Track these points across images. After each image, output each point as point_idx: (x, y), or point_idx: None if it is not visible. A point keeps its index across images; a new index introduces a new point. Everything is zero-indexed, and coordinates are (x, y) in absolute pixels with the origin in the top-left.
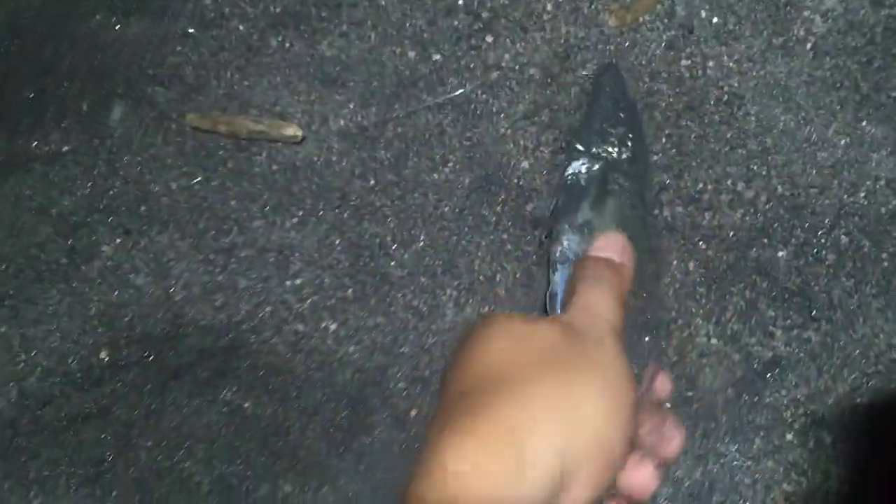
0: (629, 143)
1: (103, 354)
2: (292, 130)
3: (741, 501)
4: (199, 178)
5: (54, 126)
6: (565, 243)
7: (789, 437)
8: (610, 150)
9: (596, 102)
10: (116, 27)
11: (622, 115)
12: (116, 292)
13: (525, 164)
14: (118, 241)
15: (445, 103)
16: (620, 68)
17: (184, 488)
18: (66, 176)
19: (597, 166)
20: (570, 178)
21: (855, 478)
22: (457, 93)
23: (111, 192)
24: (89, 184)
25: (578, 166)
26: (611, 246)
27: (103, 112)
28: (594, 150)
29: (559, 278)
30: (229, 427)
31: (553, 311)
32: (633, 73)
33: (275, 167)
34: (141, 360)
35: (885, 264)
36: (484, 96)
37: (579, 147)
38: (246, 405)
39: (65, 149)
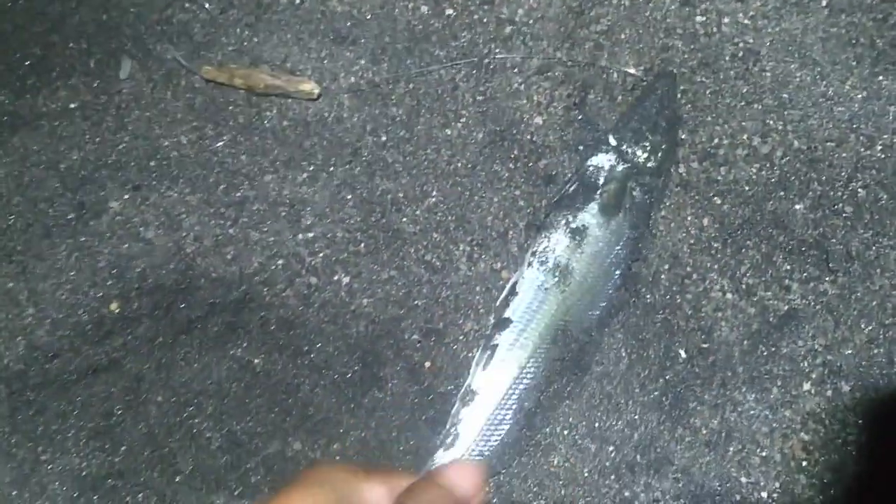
0: (660, 154)
1: (114, 306)
2: (309, 87)
3: (758, 450)
4: (210, 133)
5: (62, 83)
6: (551, 243)
7: (807, 386)
8: (640, 153)
9: (641, 103)
10: None
11: (664, 125)
12: (126, 245)
13: (538, 120)
14: (127, 196)
15: (458, 58)
16: (678, 80)
17: (193, 444)
18: (75, 131)
19: (620, 167)
20: (590, 168)
21: (872, 426)
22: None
23: (120, 147)
24: (97, 139)
25: (603, 160)
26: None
27: (111, 68)
28: (625, 147)
29: (528, 278)
30: (240, 383)
31: (505, 308)
32: (648, 29)
33: (286, 123)
34: (152, 312)
35: None
36: (497, 51)
37: (611, 141)
38: (256, 361)
39: (72, 105)
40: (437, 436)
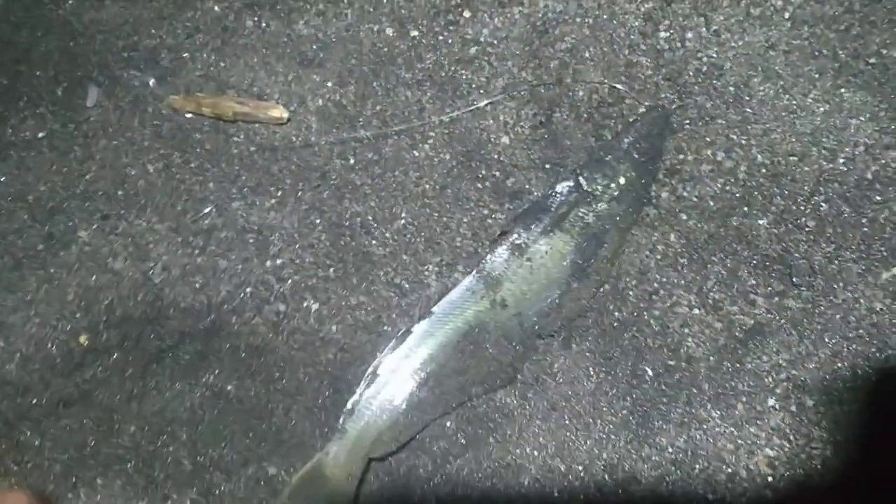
0: (623, 185)
1: (83, 339)
2: (278, 112)
3: (724, 467)
4: (177, 161)
5: (29, 112)
6: (494, 255)
7: (771, 402)
8: (601, 182)
9: (623, 134)
10: (91, 11)
11: (637, 157)
12: (94, 277)
13: (505, 140)
14: (95, 226)
15: (424, 79)
16: (671, 119)
17: (169, 472)
18: (42, 161)
19: (574, 195)
20: (551, 193)
21: (837, 440)
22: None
23: (87, 177)
24: (65, 169)
25: (563, 186)
26: None
27: (78, 97)
28: (584, 176)
29: (464, 282)
30: (212, 410)
31: (434, 304)
32: (612, 47)
33: (253, 148)
34: (121, 344)
35: (865, 229)
36: (463, 72)
37: (578, 171)
38: (229, 388)
39: (40, 134)
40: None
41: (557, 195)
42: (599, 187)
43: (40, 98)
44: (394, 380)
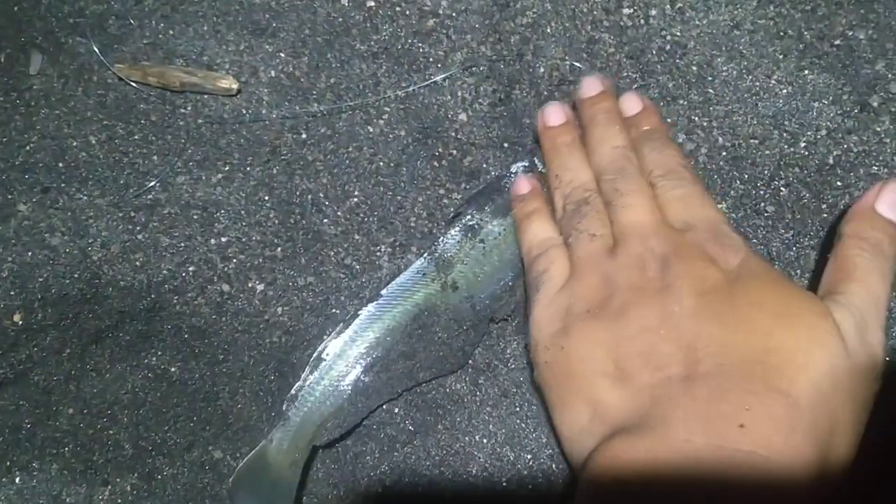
0: None
1: (17, 318)
2: (227, 83)
3: None
4: (121, 132)
5: None
6: (446, 237)
7: None
8: None
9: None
10: None
11: None
12: (31, 253)
13: (463, 117)
14: (35, 199)
15: (380, 52)
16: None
17: (108, 456)
18: None
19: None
20: (506, 174)
21: None
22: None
23: (27, 148)
24: (4, 139)
25: (518, 167)
26: None
27: (21, 64)
28: (539, 157)
29: (414, 264)
30: (155, 393)
31: (384, 287)
32: (574, 22)
33: (200, 121)
34: (58, 323)
35: (825, 215)
36: (420, 45)
37: (533, 151)
38: (172, 370)
39: None
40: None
41: (512, 176)
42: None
43: None
44: (339, 364)
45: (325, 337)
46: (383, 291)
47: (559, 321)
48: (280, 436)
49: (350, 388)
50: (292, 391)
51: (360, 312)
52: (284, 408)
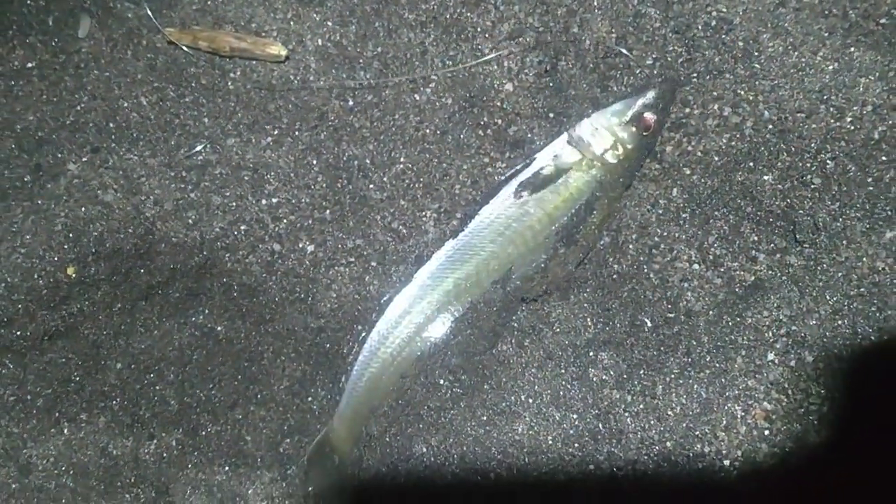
0: (621, 156)
1: (70, 271)
2: (276, 49)
3: (721, 419)
4: (171, 94)
5: (19, 42)
6: (481, 216)
7: (770, 356)
8: (598, 149)
9: (630, 100)
10: None
11: (636, 131)
12: (84, 209)
13: (509, 87)
14: (85, 158)
15: (428, 21)
16: (677, 91)
17: (154, 411)
18: (31, 91)
19: (571, 159)
20: (546, 154)
21: (835, 396)
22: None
23: (78, 108)
24: (55, 99)
25: (560, 147)
26: None
27: (70, 27)
28: (582, 140)
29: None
30: (202, 350)
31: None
32: None
33: (250, 85)
34: (110, 278)
35: (871, 188)
36: (468, 15)
37: (575, 134)
38: (219, 328)
39: (30, 64)
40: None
41: (553, 156)
42: (596, 153)
43: (30, 27)
44: (381, 354)
45: (371, 305)
46: (416, 275)
47: None
48: (338, 421)
49: (393, 374)
50: (341, 382)
51: (394, 299)
52: (343, 385)
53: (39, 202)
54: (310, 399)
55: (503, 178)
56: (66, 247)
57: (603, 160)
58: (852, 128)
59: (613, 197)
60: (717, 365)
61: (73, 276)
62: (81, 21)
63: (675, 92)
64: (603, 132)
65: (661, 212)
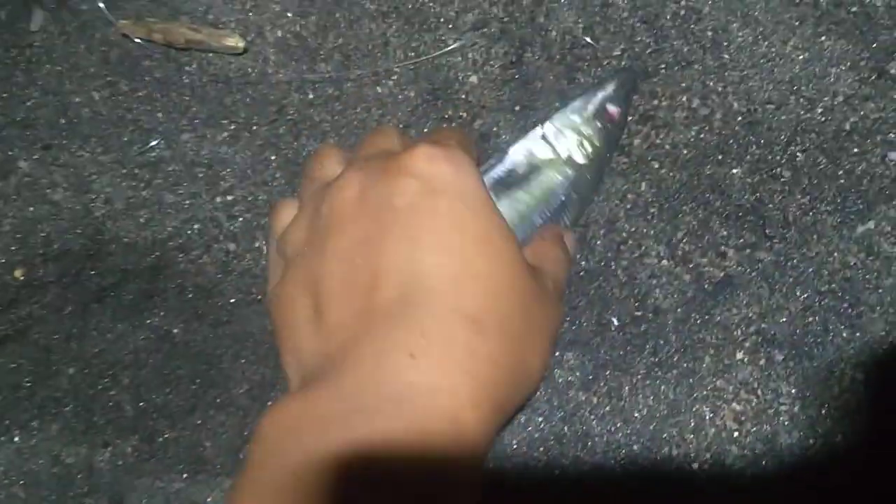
0: (591, 153)
1: (18, 273)
2: (234, 41)
3: (689, 421)
4: (125, 89)
5: None
6: None
7: (739, 355)
8: (568, 146)
9: (590, 94)
10: None
11: (600, 125)
12: (32, 208)
13: (473, 79)
14: (36, 155)
15: (390, 11)
16: (638, 80)
17: (109, 417)
18: None
19: (542, 156)
20: (517, 151)
21: (805, 395)
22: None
23: (28, 104)
24: (5, 95)
25: (531, 143)
26: None
27: (22, 20)
28: (551, 138)
29: None
30: (157, 353)
31: None
32: None
33: (206, 79)
34: (59, 279)
35: (842, 181)
36: (431, 4)
37: (544, 133)
38: (174, 331)
39: None
40: None
41: (526, 153)
42: (563, 156)
43: None
44: None
45: None
46: None
47: (279, 271)
48: None
49: None
50: None
51: None
52: None
53: None
54: (269, 403)
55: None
56: (13, 248)
57: (571, 161)
58: (823, 119)
59: (585, 196)
60: (685, 365)
61: (21, 278)
62: (34, 14)
63: (637, 81)
64: (567, 132)
65: (629, 206)
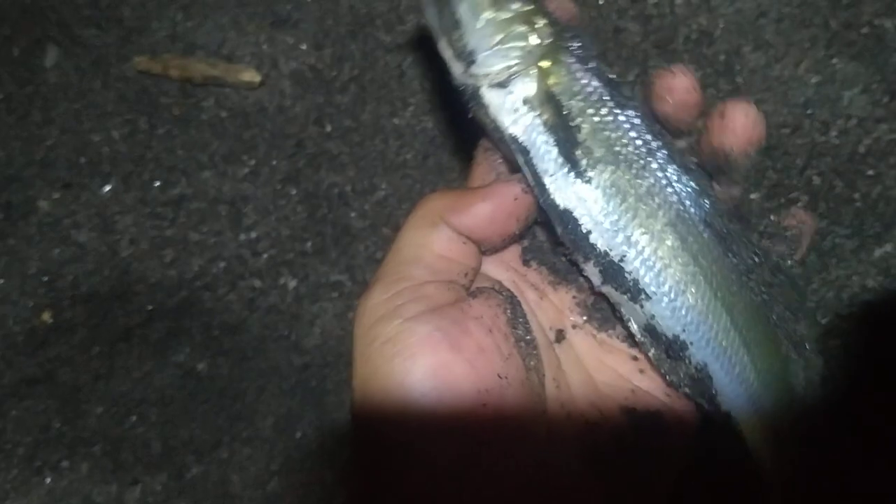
0: None
1: (46, 316)
2: (250, 75)
3: None
4: (144, 127)
5: None
6: None
7: None
8: None
9: None
10: None
11: None
12: (57, 250)
13: None
14: (56, 195)
15: (404, 44)
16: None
17: (137, 454)
18: (0, 125)
19: None
20: None
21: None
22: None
23: (48, 143)
24: (24, 134)
25: None
26: None
27: (37, 57)
28: None
29: None
30: (183, 390)
31: None
32: (600, 13)
33: (224, 114)
34: (87, 321)
35: (858, 204)
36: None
37: None
38: (200, 367)
39: None
40: None
41: None
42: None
43: None
44: None
45: None
46: None
47: None
48: None
49: None
50: None
51: None
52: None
53: (12, 243)
54: (298, 436)
55: None
56: (40, 291)
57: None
58: (838, 142)
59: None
60: None
61: (50, 321)
62: (48, 50)
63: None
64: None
65: None
